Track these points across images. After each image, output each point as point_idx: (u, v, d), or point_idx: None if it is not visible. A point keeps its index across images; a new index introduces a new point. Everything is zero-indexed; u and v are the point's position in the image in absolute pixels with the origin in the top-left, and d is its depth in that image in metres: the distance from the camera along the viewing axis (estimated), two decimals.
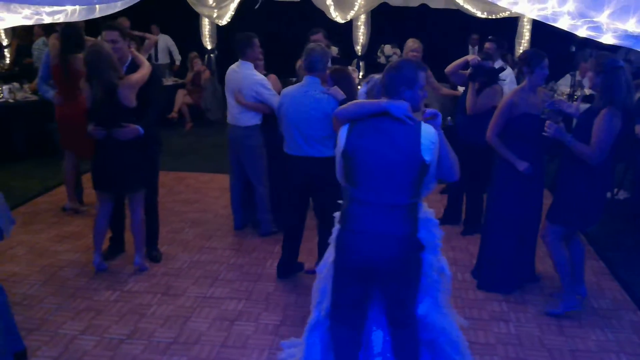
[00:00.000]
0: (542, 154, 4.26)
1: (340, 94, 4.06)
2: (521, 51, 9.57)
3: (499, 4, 2.38)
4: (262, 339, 3.76)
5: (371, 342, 3.04)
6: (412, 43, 5.74)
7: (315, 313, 3.14)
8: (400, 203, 2.73)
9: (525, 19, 9.46)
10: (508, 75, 5.72)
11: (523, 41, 9.65)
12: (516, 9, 2.39)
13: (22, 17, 3.92)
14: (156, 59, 10.03)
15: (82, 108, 5.03)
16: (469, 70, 5.08)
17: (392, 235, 2.74)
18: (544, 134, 3.79)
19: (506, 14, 9.04)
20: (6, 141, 7.07)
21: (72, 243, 5.11)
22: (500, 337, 3.82)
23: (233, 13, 9.34)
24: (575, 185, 3.86)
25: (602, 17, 2.10)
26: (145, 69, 4.37)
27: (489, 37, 5.78)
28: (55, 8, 3.53)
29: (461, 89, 5.80)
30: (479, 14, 9.04)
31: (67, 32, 5.38)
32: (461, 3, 8.83)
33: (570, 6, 2.12)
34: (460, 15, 9.40)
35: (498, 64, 5.37)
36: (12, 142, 7.20)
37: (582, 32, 2.19)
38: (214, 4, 9.43)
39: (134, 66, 4.44)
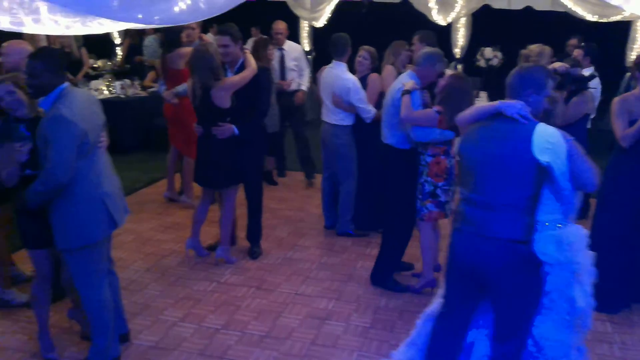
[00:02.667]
0: None
1: (411, 84, 4.11)
2: (634, 57, 9.00)
3: (624, 7, 2.24)
4: (351, 340, 3.78)
5: (473, 350, 2.99)
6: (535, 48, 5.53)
7: (435, 302, 3.18)
8: (508, 201, 2.68)
9: (639, 23, 8.87)
10: (597, 84, 5.38)
11: (636, 46, 9.05)
12: None
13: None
14: None
15: (182, 105, 5.32)
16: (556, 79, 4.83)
17: (497, 237, 2.69)
18: None
19: (618, 18, 8.52)
20: (117, 134, 7.51)
21: (175, 233, 5.38)
22: (603, 359, 3.62)
23: (329, 15, 9.46)
24: None
25: None
26: (246, 72, 4.48)
27: (581, 44, 5.48)
28: (165, 14, 3.72)
29: None
30: (588, 16, 8.57)
31: (165, 33, 5.80)
32: (570, 5, 8.42)
33: None
34: (568, 18, 8.97)
35: (587, 71, 5.10)
36: (123, 136, 7.66)
37: None
38: (311, 6, 9.58)
39: (244, 68, 4.56)
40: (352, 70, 5.22)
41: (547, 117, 2.86)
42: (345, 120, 5.18)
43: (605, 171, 4.14)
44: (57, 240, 3.12)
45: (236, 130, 4.47)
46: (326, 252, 5.13)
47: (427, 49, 4.31)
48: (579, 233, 2.90)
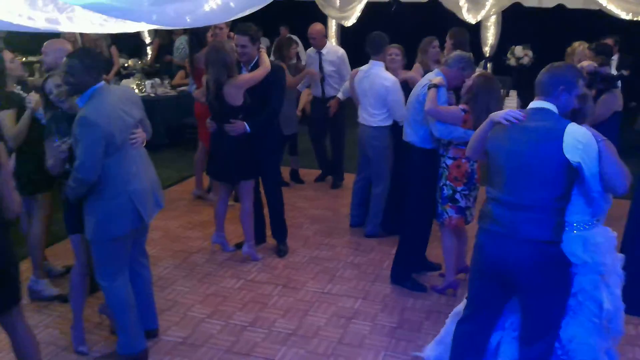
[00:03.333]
0: None
1: (439, 79, 4.09)
2: None
3: None
4: (378, 340, 3.77)
5: (500, 352, 2.97)
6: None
7: (463, 302, 3.18)
8: (538, 202, 2.65)
9: None
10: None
11: None
12: None
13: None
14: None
15: None
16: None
17: (526, 239, 2.66)
18: None
19: None
20: None
21: (203, 231, 5.43)
22: None
23: (359, 14, 9.44)
24: None
25: None
26: (259, 71, 4.49)
27: (593, 45, 5.42)
28: (196, 14, 3.75)
29: None
30: (622, 15, 8.37)
31: (192, 33, 5.89)
32: (604, 4, 8.25)
33: None
34: (601, 16, 8.79)
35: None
36: (152, 134, 7.73)
37: None
38: (340, 5, 9.58)
39: (257, 66, 4.57)
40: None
41: (576, 117, 2.83)
42: (385, 121, 5.14)
43: None
44: (85, 229, 3.26)
45: (248, 128, 4.49)
46: (353, 251, 5.12)
47: (459, 52, 4.27)
48: (606, 235, 2.85)
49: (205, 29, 5.78)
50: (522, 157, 2.68)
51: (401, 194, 5.06)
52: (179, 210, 5.96)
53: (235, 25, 4.80)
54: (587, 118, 2.94)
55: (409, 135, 4.37)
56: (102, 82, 3.22)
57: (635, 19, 8.42)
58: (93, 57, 3.27)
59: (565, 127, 2.61)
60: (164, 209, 5.80)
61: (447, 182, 4.10)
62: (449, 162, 4.09)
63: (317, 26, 6.45)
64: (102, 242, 3.25)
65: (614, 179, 2.63)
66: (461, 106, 3.99)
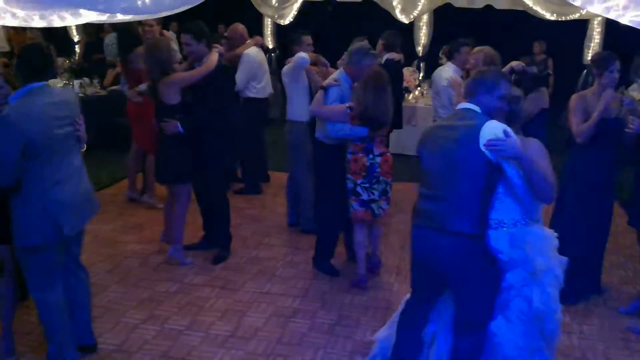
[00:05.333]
0: (613, 161, 4.10)
1: (328, 80, 4.31)
2: (591, 55, 9.25)
3: (610, 16, 2.28)
4: (317, 337, 3.77)
5: (436, 343, 3.04)
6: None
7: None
8: (459, 195, 2.75)
9: (595, 22, 9.10)
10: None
11: (592, 44, 9.31)
12: (624, 20, 2.29)
13: (97, 14, 4.09)
14: None
15: (145, 103, 5.24)
16: (512, 77, 4.93)
17: (449, 231, 2.76)
18: (627, 130, 3.73)
19: (576, 16, 8.74)
20: None
21: (136, 234, 5.28)
22: (563, 349, 3.68)
23: (296, 13, 9.46)
24: None
25: None
26: (197, 69, 4.38)
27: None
28: (128, 3, 3.65)
29: None
30: (547, 15, 8.77)
31: (122, 32, 5.74)
32: (530, 4, 8.59)
33: None
34: (527, 17, 9.16)
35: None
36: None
37: None
38: (277, 4, 9.57)
39: None
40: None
41: (509, 117, 2.94)
42: (294, 115, 5.14)
43: (563, 166, 4.25)
44: (13, 236, 3.08)
45: (180, 128, 4.32)
46: (291, 250, 5.11)
47: (355, 45, 4.35)
48: (539, 234, 2.89)
49: (136, 29, 5.63)
50: (445, 154, 2.80)
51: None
52: (111, 213, 5.77)
53: (170, 24, 4.71)
54: (520, 118, 3.05)
55: (317, 132, 4.49)
56: (43, 83, 3.03)
57: (559, 19, 8.83)
58: (34, 54, 3.08)
59: (481, 126, 2.71)
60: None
61: (349, 176, 4.22)
62: (349, 156, 4.21)
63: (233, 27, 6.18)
64: (26, 250, 3.06)
65: (540, 190, 2.72)
66: (349, 104, 4.09)
